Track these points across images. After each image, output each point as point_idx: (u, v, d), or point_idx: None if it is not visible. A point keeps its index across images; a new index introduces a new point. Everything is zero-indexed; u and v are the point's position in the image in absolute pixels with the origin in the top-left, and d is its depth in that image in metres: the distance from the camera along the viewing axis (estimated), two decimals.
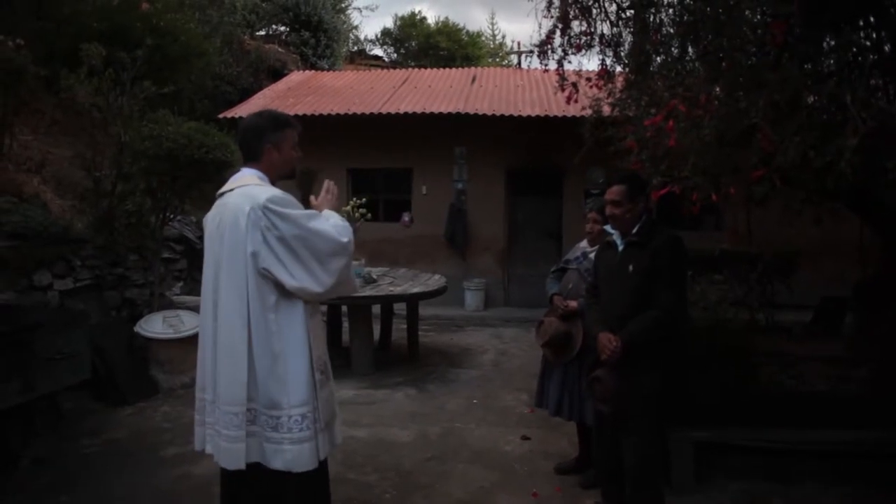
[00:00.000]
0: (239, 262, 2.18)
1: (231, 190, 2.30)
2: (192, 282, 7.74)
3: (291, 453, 2.15)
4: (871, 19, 3.15)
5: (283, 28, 16.92)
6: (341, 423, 2.51)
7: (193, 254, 7.68)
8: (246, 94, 12.07)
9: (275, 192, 2.21)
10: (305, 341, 2.22)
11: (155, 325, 5.48)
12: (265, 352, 2.16)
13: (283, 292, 2.19)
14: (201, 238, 8.60)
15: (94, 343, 4.62)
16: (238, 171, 2.40)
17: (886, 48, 3.18)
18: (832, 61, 3.09)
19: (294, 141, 2.39)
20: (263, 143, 2.32)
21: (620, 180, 2.98)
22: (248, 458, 2.18)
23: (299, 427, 2.16)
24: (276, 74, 13.66)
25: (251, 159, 2.35)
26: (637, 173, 3.27)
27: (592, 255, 3.48)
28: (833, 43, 3.02)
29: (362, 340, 5.97)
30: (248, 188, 2.25)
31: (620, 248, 2.95)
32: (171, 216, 6.40)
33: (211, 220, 2.35)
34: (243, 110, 10.16)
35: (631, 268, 2.83)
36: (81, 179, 6.26)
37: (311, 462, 2.19)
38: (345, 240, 2.23)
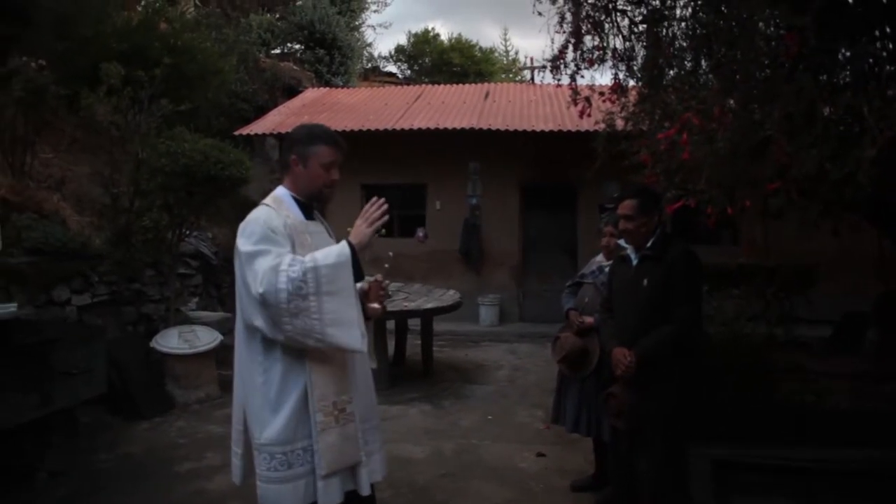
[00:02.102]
0: (237, 290, 2.14)
1: None
2: (208, 297, 7.80)
3: (261, 489, 2.08)
4: (888, 30, 3.12)
5: (298, 46, 17.13)
6: (370, 472, 2.25)
7: (209, 269, 7.74)
8: (261, 111, 12.22)
9: (248, 218, 2.12)
10: (297, 379, 2.08)
11: (171, 341, 5.51)
12: (249, 381, 2.12)
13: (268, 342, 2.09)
14: (217, 254, 8.67)
15: (110, 358, 4.65)
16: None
17: None
18: (848, 72, 3.06)
19: (327, 160, 2.22)
20: (290, 153, 2.24)
21: (632, 195, 2.96)
22: (245, 477, 2.22)
23: (267, 466, 2.05)
24: (292, 92, 13.82)
25: (283, 171, 2.30)
26: (649, 187, 3.26)
27: (608, 269, 3.46)
28: (848, 54, 2.99)
29: (377, 356, 5.96)
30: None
31: (635, 262, 2.93)
32: (188, 232, 6.47)
33: None
34: (259, 127, 10.29)
35: (645, 282, 2.81)
36: (100, 196, 6.36)
37: None
38: (260, 290, 1.95)
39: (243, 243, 2.05)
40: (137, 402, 5.03)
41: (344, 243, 2.10)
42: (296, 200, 2.24)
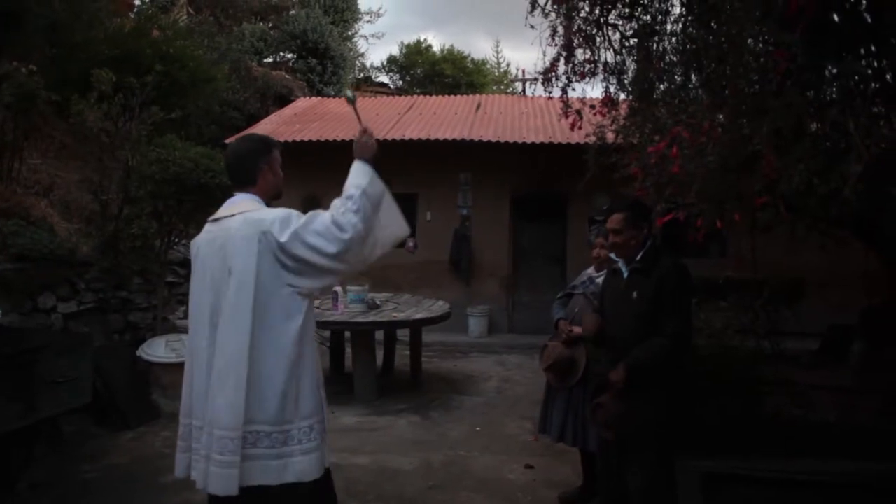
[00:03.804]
0: (248, 289, 2.15)
1: (231, 216, 2.28)
2: None
3: (301, 464, 2.16)
4: (873, 48, 3.18)
5: (290, 55, 17.19)
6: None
7: None
8: (253, 119, 12.21)
9: (276, 213, 2.22)
10: (312, 360, 2.26)
11: (157, 349, 5.46)
12: (279, 374, 2.16)
13: (306, 316, 2.22)
14: None
15: (96, 366, 4.60)
16: (232, 195, 2.39)
17: (888, 77, 3.20)
18: (834, 89, 3.11)
19: (280, 162, 2.42)
20: (259, 164, 2.34)
21: (621, 208, 2.96)
22: (245, 481, 2.13)
23: (308, 438, 2.19)
24: (283, 101, 13.83)
25: (246, 183, 2.35)
26: (638, 200, 3.27)
27: (599, 280, 3.48)
28: (835, 71, 3.04)
29: (365, 367, 5.93)
30: (250, 214, 2.23)
31: (625, 274, 2.95)
32: (176, 240, 6.43)
33: (207, 243, 2.31)
34: None
35: (635, 294, 2.82)
36: (88, 203, 6.31)
37: (318, 470, 2.23)
38: (346, 235, 2.18)
39: (295, 225, 2.16)
40: (123, 411, 4.97)
41: (360, 162, 2.39)
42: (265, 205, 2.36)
